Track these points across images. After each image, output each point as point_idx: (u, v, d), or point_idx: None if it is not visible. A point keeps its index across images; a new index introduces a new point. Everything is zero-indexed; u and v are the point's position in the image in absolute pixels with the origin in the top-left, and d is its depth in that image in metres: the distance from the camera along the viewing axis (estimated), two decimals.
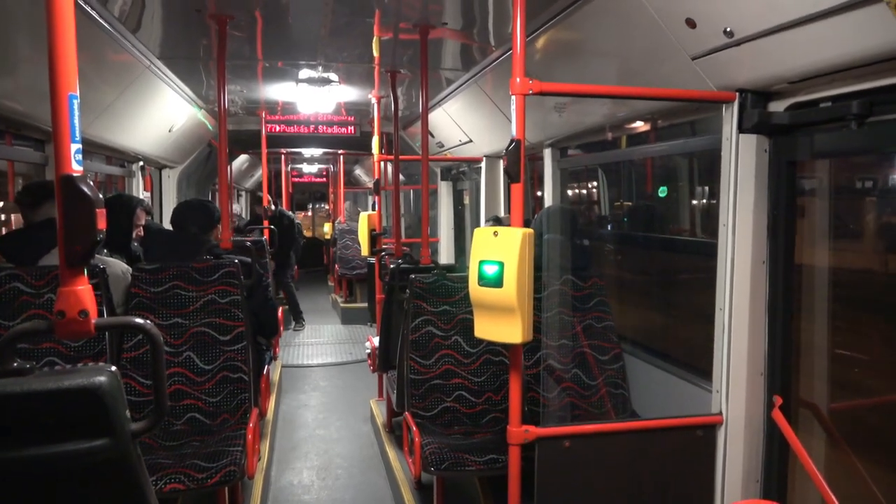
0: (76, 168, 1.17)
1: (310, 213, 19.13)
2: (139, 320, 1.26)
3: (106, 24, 3.24)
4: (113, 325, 2.26)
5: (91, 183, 1.18)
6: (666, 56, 2.48)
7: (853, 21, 1.74)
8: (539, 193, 5.00)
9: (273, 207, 8.88)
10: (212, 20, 3.50)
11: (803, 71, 2.05)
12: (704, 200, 4.05)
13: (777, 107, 2.33)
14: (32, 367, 1.15)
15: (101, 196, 1.20)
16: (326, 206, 17.40)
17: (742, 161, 2.41)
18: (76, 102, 1.17)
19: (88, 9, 2.99)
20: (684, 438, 2.51)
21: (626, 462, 2.46)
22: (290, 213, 10.25)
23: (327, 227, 13.16)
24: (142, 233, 4.00)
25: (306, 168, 14.91)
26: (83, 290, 1.20)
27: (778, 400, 2.35)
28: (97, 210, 1.17)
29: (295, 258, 9.06)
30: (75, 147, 1.17)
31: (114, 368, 1.18)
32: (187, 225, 3.62)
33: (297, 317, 8.86)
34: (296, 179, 15.28)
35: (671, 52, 2.43)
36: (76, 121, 1.17)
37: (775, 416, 2.34)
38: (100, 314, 1.23)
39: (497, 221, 4.57)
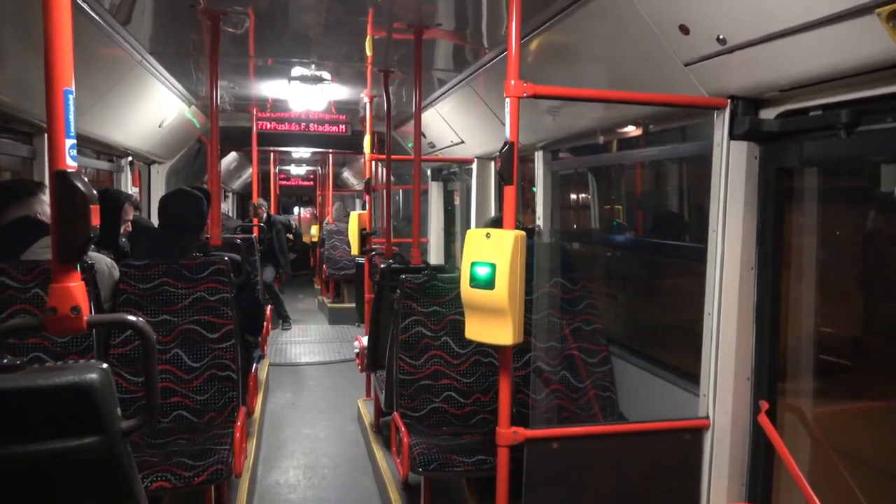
0: (70, 164, 1.16)
1: (309, 216, 18.58)
2: (132, 317, 1.26)
3: (97, 17, 3.21)
4: (105, 322, 2.23)
5: (85, 179, 1.17)
6: (659, 62, 2.50)
7: (844, 31, 1.76)
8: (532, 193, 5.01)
9: (265, 214, 8.93)
10: (204, 15, 3.48)
11: (794, 79, 2.08)
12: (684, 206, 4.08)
13: (768, 114, 2.35)
14: (23, 364, 1.14)
15: (94, 192, 1.19)
16: (314, 209, 17.30)
17: (732, 167, 2.43)
18: (71, 98, 1.16)
19: (79, 1, 2.96)
20: (671, 441, 2.53)
21: (614, 464, 2.48)
22: (282, 216, 10.29)
23: (314, 230, 13.12)
24: (130, 228, 3.97)
25: (294, 170, 14.85)
26: (75, 286, 1.19)
27: (764, 405, 2.38)
28: (91, 206, 1.16)
29: (283, 261, 9.04)
30: (70, 142, 1.16)
31: (105, 366, 1.17)
32: (181, 217, 3.53)
33: (282, 317, 8.85)
34: (283, 182, 15.19)
35: (664, 58, 2.45)
36: (71, 116, 1.16)
37: (761, 420, 2.36)
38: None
39: (495, 223, 4.53)
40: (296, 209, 19.50)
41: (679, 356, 3.31)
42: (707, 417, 2.51)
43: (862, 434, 2.65)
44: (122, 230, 3.86)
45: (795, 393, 2.61)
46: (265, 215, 9.13)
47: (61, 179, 1.15)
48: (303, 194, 18.32)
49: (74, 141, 1.17)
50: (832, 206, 2.69)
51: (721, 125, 2.42)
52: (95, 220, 1.17)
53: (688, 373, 3.05)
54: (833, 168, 2.63)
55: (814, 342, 2.58)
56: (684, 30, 2.26)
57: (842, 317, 2.76)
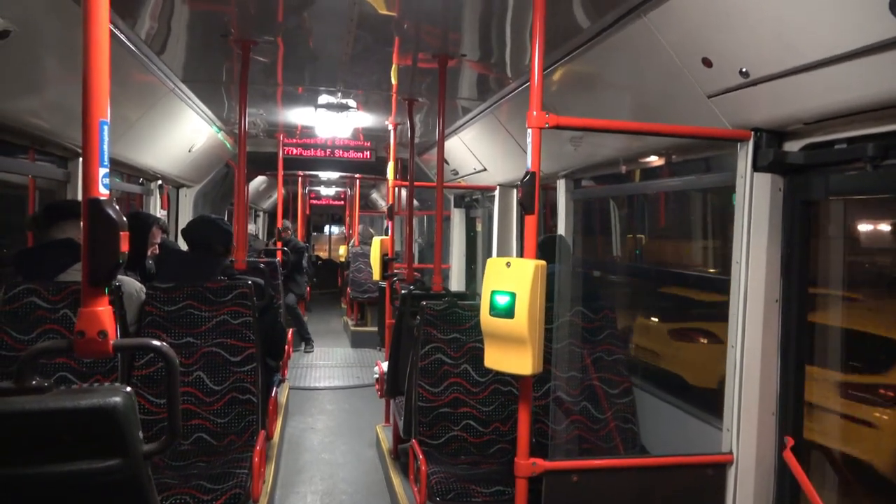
0: (103, 192, 1.20)
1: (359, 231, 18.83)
2: (156, 342, 1.28)
3: (132, 47, 3.32)
4: (131, 347, 2.27)
5: (117, 206, 1.21)
6: (682, 93, 2.51)
7: (869, 65, 1.76)
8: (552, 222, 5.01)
9: (289, 235, 9.03)
10: (235, 45, 3.58)
11: (819, 113, 2.07)
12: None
13: (792, 146, 2.34)
14: (50, 385, 1.17)
15: (125, 219, 1.23)
16: (343, 229, 17.52)
17: (756, 199, 2.41)
18: (106, 128, 1.20)
19: (116, 31, 3.06)
20: (694, 477, 2.48)
21: (635, 499, 2.43)
22: (302, 242, 10.42)
23: (342, 250, 13.26)
24: (157, 250, 4.04)
25: (324, 191, 15.06)
26: (103, 310, 1.22)
27: (789, 441, 2.33)
28: (121, 233, 1.20)
29: (304, 283, 9.12)
30: (103, 171, 1.20)
31: (129, 389, 1.19)
32: (212, 244, 3.58)
33: (304, 339, 8.89)
34: (314, 201, 15.44)
35: (687, 90, 2.46)
36: (105, 146, 1.20)
37: (786, 456, 2.31)
38: None
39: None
40: (326, 228, 19.77)
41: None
42: (731, 453, 2.46)
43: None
44: (149, 252, 3.93)
45: (822, 429, 2.55)
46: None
47: (93, 206, 1.19)
48: (333, 213, 18.55)
49: (108, 169, 1.21)
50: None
51: (745, 157, 2.41)
52: (125, 247, 1.21)
53: (711, 406, 3.00)
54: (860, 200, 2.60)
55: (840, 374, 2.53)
56: (707, 63, 2.27)
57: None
